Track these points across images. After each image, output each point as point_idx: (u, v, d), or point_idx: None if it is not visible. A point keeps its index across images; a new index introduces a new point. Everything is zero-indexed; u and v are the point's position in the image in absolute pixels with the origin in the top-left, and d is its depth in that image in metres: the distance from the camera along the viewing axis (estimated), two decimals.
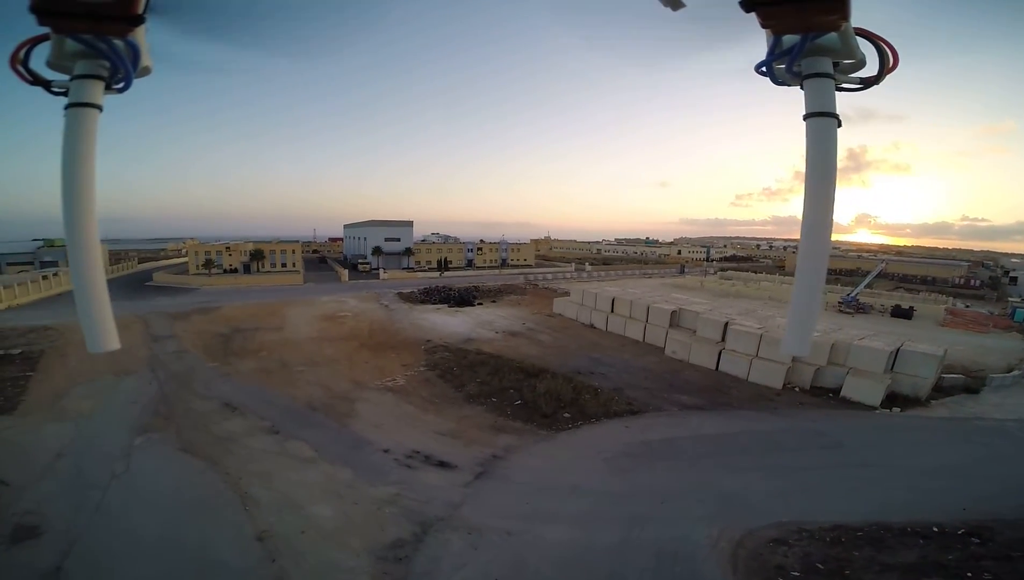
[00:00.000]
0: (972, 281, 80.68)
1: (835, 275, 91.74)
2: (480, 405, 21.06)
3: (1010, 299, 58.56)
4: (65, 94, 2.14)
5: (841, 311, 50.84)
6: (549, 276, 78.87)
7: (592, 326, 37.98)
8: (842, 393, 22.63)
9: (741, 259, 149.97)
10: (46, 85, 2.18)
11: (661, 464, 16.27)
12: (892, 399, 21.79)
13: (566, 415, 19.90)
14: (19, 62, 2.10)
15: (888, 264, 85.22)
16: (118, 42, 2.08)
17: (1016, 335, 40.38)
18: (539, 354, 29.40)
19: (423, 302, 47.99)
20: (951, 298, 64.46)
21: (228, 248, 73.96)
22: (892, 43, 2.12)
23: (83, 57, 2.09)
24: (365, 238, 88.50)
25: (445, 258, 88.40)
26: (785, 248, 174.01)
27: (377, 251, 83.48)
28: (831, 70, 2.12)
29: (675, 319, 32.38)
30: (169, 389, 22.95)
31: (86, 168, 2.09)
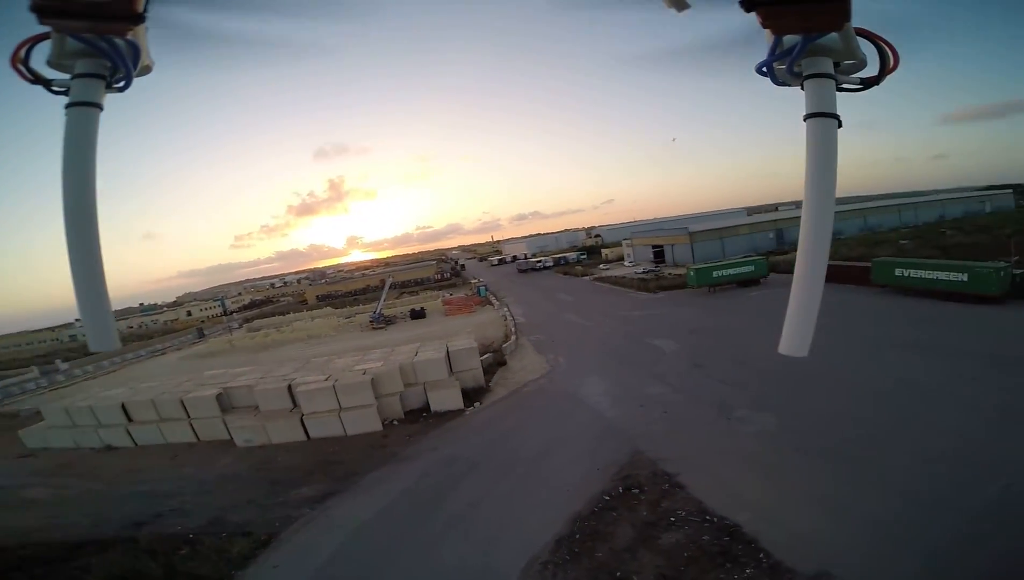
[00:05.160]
0: (444, 275, 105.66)
1: (354, 296, 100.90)
2: None
3: (471, 282, 79.82)
4: (66, 93, 2.08)
5: (375, 328, 55.44)
6: None
7: (110, 448, 26.71)
8: (433, 408, 23.95)
9: (262, 303, 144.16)
10: (47, 84, 2.12)
11: None
12: (465, 396, 24.57)
13: None
14: (20, 61, 2.04)
15: (392, 276, 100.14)
16: (119, 41, 2.02)
17: (489, 307, 54.31)
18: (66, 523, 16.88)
19: None
20: (439, 291, 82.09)
21: None
22: (892, 43, 2.09)
23: (84, 56, 2.04)
24: None
25: None
26: (299, 281, 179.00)
27: None
28: (832, 70, 2.09)
29: (226, 402, 26.20)
30: None
31: (87, 167, 2.05)
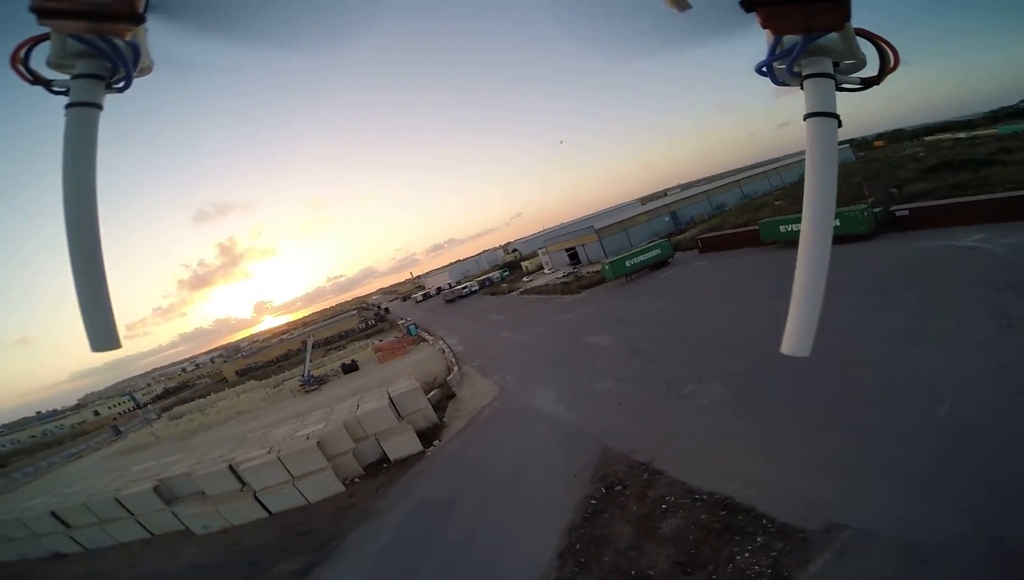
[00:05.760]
0: (368, 323, 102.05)
1: (277, 364, 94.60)
2: None
3: (399, 323, 77.70)
4: (66, 93, 2.08)
5: (308, 391, 52.38)
6: None
7: (59, 556, 25.46)
8: (392, 458, 23.17)
9: (177, 390, 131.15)
10: (47, 85, 2.13)
11: None
12: (422, 436, 23.89)
13: None
14: (19, 62, 2.05)
15: (312, 335, 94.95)
16: (119, 42, 2.03)
17: (424, 344, 53.24)
18: None
19: None
20: (368, 340, 79.07)
21: None
22: (893, 43, 2.09)
23: (84, 56, 2.04)
24: None
25: None
26: (213, 360, 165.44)
27: None
28: (832, 70, 2.10)
29: (167, 493, 24.39)
30: None
31: (87, 167, 2.05)
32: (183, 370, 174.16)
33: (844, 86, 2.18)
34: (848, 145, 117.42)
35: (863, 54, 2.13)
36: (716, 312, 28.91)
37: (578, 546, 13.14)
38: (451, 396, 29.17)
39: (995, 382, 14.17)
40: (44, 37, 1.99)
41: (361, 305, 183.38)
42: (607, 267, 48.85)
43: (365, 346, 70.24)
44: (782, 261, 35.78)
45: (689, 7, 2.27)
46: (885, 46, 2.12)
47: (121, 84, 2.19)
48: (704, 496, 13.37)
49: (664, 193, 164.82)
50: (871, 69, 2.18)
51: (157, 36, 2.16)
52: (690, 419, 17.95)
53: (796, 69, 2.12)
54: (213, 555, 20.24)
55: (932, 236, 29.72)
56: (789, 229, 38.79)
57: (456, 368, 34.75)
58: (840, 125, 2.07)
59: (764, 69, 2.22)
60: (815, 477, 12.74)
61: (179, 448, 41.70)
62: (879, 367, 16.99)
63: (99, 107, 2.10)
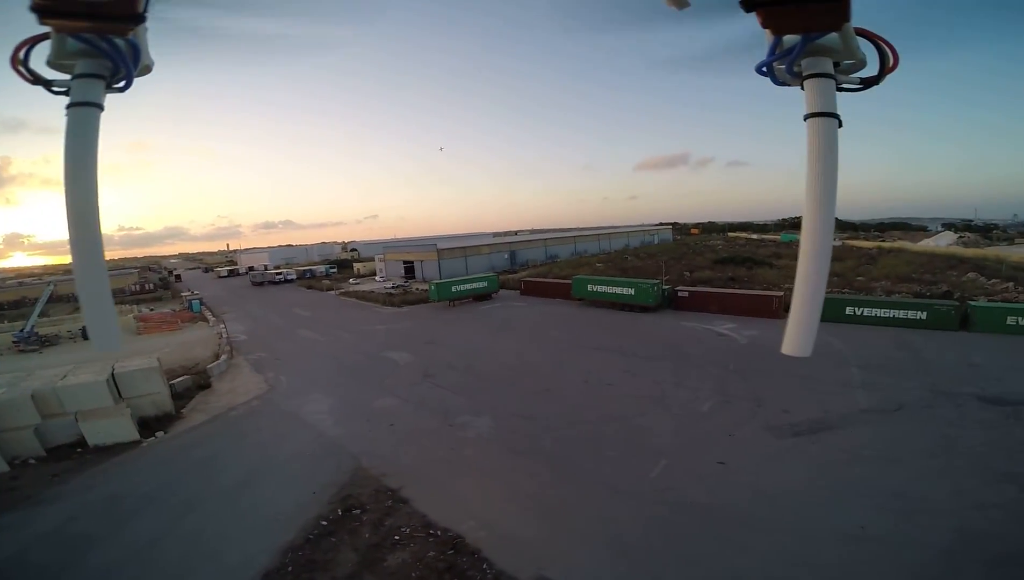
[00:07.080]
0: (146, 285, 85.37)
1: (1, 310, 72.88)
2: None
3: (183, 294, 66.19)
4: (66, 93, 2.04)
5: (23, 351, 40.79)
6: None
7: None
8: (92, 443, 18.64)
9: None
10: (47, 85, 2.09)
11: None
12: (146, 425, 19.73)
13: None
14: (19, 62, 2.01)
15: (58, 285, 75.67)
16: (119, 41, 1.97)
17: (203, 324, 45.67)
18: None
19: None
20: (135, 305, 65.45)
21: None
22: (892, 43, 2.09)
23: (84, 56, 1.99)
24: None
25: None
26: None
27: None
28: (831, 70, 2.07)
29: None
30: None
31: (88, 167, 2.01)
32: None
33: (844, 86, 2.16)
34: (671, 227, 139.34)
35: (863, 54, 2.10)
36: (513, 351, 29.76)
37: (290, 568, 11.69)
38: (205, 386, 24.61)
39: (703, 449, 16.36)
40: (44, 37, 1.90)
41: (149, 265, 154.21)
42: (433, 288, 48.05)
43: (130, 311, 57.91)
44: (584, 316, 39.06)
45: (687, 5, 2.28)
46: (885, 46, 2.10)
47: (122, 84, 2.07)
48: (438, 532, 12.80)
49: (515, 233, 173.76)
50: (871, 69, 2.15)
51: None
52: (452, 450, 17.41)
53: (796, 69, 2.08)
54: None
55: (699, 318, 35.15)
56: (596, 289, 42.66)
57: (225, 357, 29.85)
58: (840, 125, 2.02)
59: (764, 69, 2.18)
60: (539, 525, 12.97)
61: None
62: (624, 424, 18.66)
63: (100, 107, 1.99)
